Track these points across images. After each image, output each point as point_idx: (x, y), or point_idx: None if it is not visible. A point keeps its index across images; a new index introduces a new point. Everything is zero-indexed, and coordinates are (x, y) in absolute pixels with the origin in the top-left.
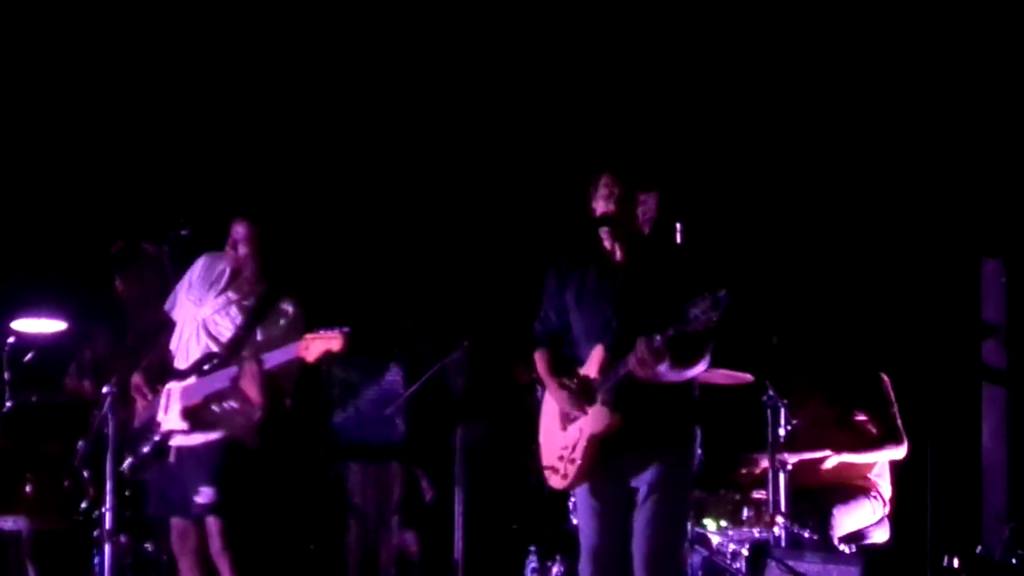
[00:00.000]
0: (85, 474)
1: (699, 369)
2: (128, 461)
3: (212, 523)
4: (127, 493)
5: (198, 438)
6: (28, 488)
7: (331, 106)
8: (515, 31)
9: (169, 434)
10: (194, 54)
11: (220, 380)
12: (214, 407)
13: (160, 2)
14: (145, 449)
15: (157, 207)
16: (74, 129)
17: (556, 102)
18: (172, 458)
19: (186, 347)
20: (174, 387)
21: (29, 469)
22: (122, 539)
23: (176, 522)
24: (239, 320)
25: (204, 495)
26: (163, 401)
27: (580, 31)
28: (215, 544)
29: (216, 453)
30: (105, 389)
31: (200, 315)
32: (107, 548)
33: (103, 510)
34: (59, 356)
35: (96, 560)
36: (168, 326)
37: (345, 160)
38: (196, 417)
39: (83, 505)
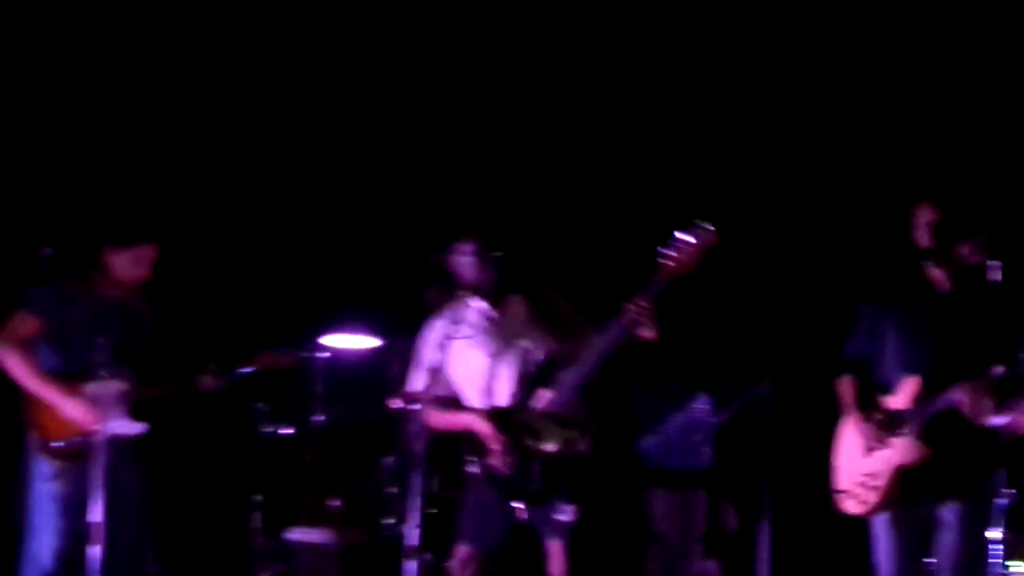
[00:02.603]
0: (392, 490)
1: (1009, 418)
2: (521, 507)
3: (560, 546)
4: (434, 511)
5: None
6: (336, 502)
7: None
8: None
9: (556, 451)
10: None
11: (610, 336)
12: (569, 414)
13: None
14: (537, 485)
15: (464, 224)
16: (378, 150)
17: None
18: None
19: (504, 386)
20: (532, 413)
21: (338, 483)
22: (427, 556)
23: (462, 548)
24: (531, 327)
25: (566, 512)
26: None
27: None
28: (558, 566)
29: (571, 471)
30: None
31: (498, 352)
32: (411, 565)
33: (409, 526)
34: (370, 372)
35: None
36: None
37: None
38: (570, 423)
39: (389, 521)
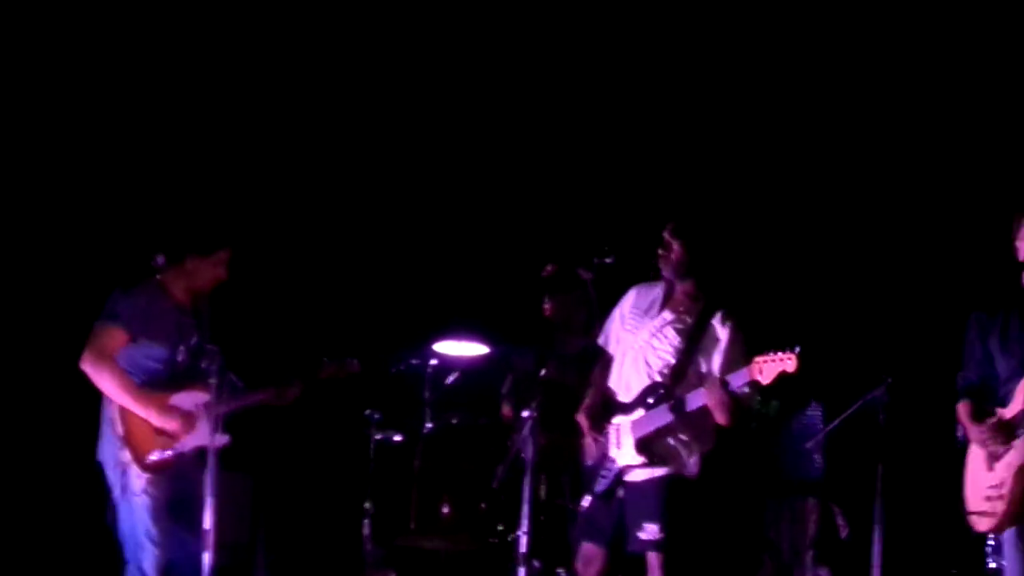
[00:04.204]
0: (502, 497)
1: None
2: (587, 500)
3: (654, 558)
4: (542, 518)
5: (644, 473)
6: (445, 509)
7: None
8: None
9: (625, 469)
10: None
11: (672, 412)
12: (667, 439)
13: None
14: (601, 486)
15: (581, 233)
16: (497, 157)
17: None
18: (620, 491)
19: (627, 379)
20: (622, 421)
21: (447, 490)
22: (536, 563)
23: (587, 547)
24: (676, 341)
25: (648, 532)
26: (613, 437)
27: None
28: None
29: (663, 490)
30: (525, 413)
31: (638, 342)
32: (521, 572)
33: (519, 533)
34: (480, 379)
35: None
36: (594, 357)
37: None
38: (650, 450)
39: (499, 528)
